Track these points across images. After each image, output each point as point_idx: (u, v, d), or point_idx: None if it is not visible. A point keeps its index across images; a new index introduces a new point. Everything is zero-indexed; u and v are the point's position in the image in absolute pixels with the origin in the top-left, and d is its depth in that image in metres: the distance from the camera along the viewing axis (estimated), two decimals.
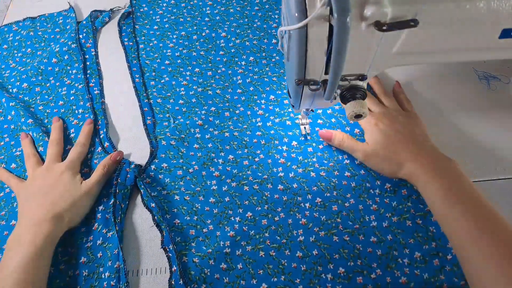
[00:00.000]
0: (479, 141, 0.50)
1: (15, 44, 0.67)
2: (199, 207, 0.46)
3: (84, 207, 0.45)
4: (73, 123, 0.55)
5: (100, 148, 0.52)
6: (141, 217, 0.47)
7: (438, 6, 0.29)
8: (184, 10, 0.68)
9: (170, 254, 0.43)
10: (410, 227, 0.44)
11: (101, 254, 0.44)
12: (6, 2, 0.76)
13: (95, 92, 0.59)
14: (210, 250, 0.43)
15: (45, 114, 0.57)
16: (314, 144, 0.51)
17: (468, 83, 0.56)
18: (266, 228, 0.45)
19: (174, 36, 0.64)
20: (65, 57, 0.62)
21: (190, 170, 0.49)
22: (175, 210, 0.46)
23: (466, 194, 0.39)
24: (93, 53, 0.63)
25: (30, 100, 0.59)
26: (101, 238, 0.44)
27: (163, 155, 0.51)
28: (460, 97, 0.54)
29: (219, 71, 0.59)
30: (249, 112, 0.54)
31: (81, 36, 0.65)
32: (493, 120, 0.52)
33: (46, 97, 0.59)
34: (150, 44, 0.64)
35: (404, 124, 0.47)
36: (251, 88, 0.57)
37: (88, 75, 0.60)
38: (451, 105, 0.54)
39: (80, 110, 0.56)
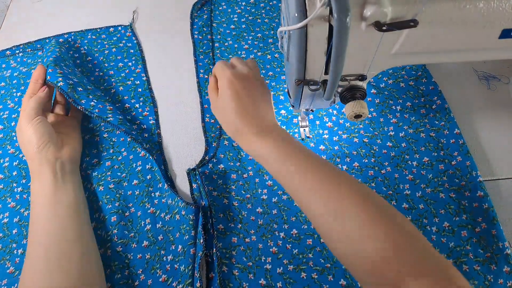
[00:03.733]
0: (479, 141, 0.50)
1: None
2: (245, 215, 0.46)
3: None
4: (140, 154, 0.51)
5: (160, 184, 0.48)
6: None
7: (438, 6, 0.29)
8: (263, 11, 0.66)
9: (210, 260, 0.42)
10: (442, 199, 0.45)
11: (162, 237, 0.45)
12: (6, 2, 0.76)
13: (150, 122, 0.55)
14: (251, 264, 0.42)
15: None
16: (312, 145, 0.51)
17: (468, 83, 0.56)
18: (311, 249, 0.43)
19: (250, 37, 0.63)
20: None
21: (245, 175, 0.49)
22: (221, 215, 0.46)
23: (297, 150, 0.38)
24: (144, 78, 0.59)
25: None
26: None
27: (222, 155, 0.50)
28: (460, 97, 0.54)
29: None
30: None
31: (130, 63, 0.61)
32: (493, 120, 0.52)
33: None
34: (226, 44, 0.63)
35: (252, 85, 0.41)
36: None
37: (141, 103, 0.57)
38: (451, 105, 0.53)
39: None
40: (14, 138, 0.53)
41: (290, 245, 0.44)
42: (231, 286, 0.41)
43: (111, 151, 0.52)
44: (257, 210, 0.46)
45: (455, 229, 0.43)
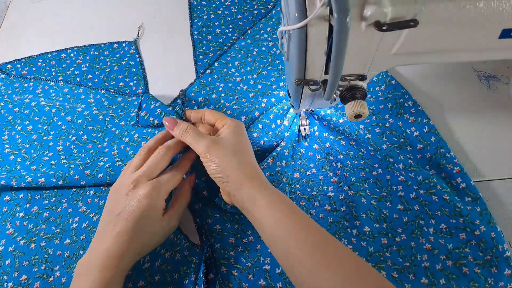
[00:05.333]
0: (479, 141, 0.50)
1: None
2: (242, 216, 0.45)
3: (160, 240, 0.40)
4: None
5: None
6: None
7: (438, 6, 0.29)
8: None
9: (209, 261, 0.42)
10: (436, 202, 0.44)
11: (158, 277, 0.41)
12: (6, 2, 0.76)
13: None
14: (249, 264, 0.42)
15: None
16: (306, 144, 0.51)
17: (468, 83, 0.56)
18: None
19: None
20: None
21: None
22: (218, 215, 0.45)
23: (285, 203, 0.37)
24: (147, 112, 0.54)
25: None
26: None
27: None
28: (460, 97, 0.54)
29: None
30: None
31: (131, 83, 0.59)
32: (493, 120, 0.52)
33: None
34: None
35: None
36: None
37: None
38: (451, 105, 0.54)
39: None
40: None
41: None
42: (231, 287, 0.41)
43: (52, 200, 0.47)
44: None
45: (453, 231, 0.43)
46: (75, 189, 0.48)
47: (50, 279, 0.42)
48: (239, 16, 0.66)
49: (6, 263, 0.43)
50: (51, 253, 0.43)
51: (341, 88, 0.37)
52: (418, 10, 0.29)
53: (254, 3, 0.68)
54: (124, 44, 0.64)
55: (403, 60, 0.35)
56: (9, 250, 0.44)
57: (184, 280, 0.41)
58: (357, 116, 0.37)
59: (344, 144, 0.50)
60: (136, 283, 0.41)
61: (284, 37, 0.36)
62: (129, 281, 0.41)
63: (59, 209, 0.46)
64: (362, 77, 0.36)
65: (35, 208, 0.47)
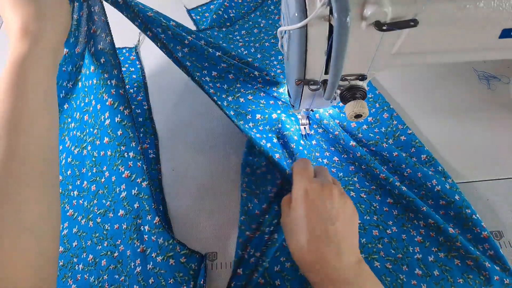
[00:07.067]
0: (479, 141, 0.50)
1: None
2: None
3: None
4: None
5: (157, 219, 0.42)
6: None
7: (438, 6, 0.29)
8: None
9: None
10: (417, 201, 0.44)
11: (152, 280, 0.40)
12: None
13: (150, 156, 0.50)
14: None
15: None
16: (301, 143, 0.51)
17: (468, 83, 0.56)
18: None
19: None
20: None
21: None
22: None
23: None
24: (146, 107, 0.55)
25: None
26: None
27: None
28: (460, 97, 0.54)
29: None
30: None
31: (131, 90, 0.57)
32: (493, 120, 0.52)
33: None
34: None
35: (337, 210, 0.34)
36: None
37: (141, 134, 0.52)
38: (451, 105, 0.54)
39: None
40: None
41: (286, 243, 0.43)
42: (232, 285, 0.41)
43: (94, 170, 0.43)
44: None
45: (441, 226, 0.42)
46: (110, 153, 0.42)
47: (115, 254, 0.41)
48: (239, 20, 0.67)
49: (74, 245, 0.42)
50: (109, 228, 0.42)
51: (341, 88, 0.37)
52: (418, 10, 0.29)
53: (251, 5, 0.69)
54: (124, 50, 0.63)
55: (403, 60, 0.35)
56: (73, 232, 0.42)
57: (182, 286, 0.40)
58: (357, 116, 0.37)
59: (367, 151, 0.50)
60: (131, 287, 0.40)
61: (284, 37, 0.36)
62: (124, 287, 0.40)
63: (102, 180, 0.43)
64: (362, 77, 0.36)
65: (85, 183, 0.43)
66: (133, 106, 0.55)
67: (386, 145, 0.48)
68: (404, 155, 0.47)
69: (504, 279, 0.39)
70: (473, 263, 0.40)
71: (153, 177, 0.48)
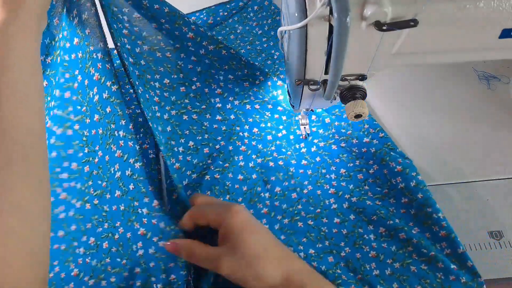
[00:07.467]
0: (479, 141, 0.50)
1: None
2: (230, 185, 0.46)
3: None
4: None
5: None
6: None
7: (438, 6, 0.29)
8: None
9: None
10: (370, 206, 0.45)
11: (153, 264, 0.39)
12: None
13: (150, 156, 0.48)
14: None
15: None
16: (294, 162, 0.51)
17: (468, 83, 0.56)
18: (297, 201, 0.46)
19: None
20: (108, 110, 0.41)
21: (217, 147, 0.49)
22: (208, 192, 0.46)
23: None
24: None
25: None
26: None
27: None
28: (460, 97, 0.54)
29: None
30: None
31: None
32: (493, 120, 0.52)
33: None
34: None
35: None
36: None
37: (141, 134, 0.50)
38: (451, 105, 0.54)
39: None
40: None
41: (278, 202, 0.46)
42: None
43: (86, 151, 0.39)
44: (238, 177, 0.47)
45: (392, 232, 0.43)
46: (102, 131, 0.40)
47: (116, 236, 0.40)
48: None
49: (72, 229, 0.40)
50: (108, 209, 0.40)
51: (341, 88, 0.37)
52: (418, 10, 0.29)
53: (233, 11, 0.66)
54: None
55: (403, 60, 0.35)
56: (69, 215, 0.39)
57: (182, 270, 0.39)
58: (357, 116, 0.37)
59: (336, 148, 0.50)
60: (132, 270, 0.40)
61: (284, 37, 0.36)
62: (125, 271, 0.40)
63: (96, 160, 0.40)
64: (362, 77, 0.36)
65: (75, 164, 0.40)
66: (126, 92, 0.50)
67: (356, 141, 0.48)
68: (372, 151, 0.47)
69: (461, 278, 0.39)
70: (427, 266, 0.40)
71: (153, 177, 0.47)
